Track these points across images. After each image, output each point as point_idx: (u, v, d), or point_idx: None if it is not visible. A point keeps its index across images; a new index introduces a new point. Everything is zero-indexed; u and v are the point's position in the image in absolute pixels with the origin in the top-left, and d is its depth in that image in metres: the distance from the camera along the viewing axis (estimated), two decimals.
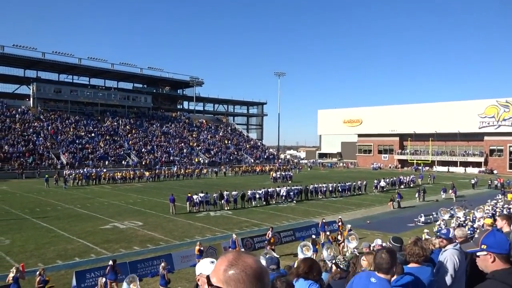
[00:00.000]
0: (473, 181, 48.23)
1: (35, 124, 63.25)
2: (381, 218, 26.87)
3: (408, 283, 3.52)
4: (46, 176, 43.06)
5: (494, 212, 20.97)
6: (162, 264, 13.10)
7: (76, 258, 16.64)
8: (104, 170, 50.23)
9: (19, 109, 65.66)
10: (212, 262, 2.55)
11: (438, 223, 20.96)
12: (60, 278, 14.18)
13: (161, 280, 12.67)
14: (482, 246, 2.59)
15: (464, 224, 18.34)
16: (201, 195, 28.96)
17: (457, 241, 5.14)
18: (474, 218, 19.77)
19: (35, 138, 58.95)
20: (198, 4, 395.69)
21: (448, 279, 4.18)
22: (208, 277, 1.36)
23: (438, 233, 6.35)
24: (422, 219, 25.05)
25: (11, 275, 11.82)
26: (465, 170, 74.15)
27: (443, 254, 4.44)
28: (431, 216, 25.55)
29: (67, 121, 67.71)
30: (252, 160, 76.03)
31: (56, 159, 55.57)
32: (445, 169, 76.49)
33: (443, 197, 37.73)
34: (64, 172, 47.33)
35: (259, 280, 1.31)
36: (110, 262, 13.07)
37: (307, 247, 12.63)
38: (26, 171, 50.72)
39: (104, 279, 12.13)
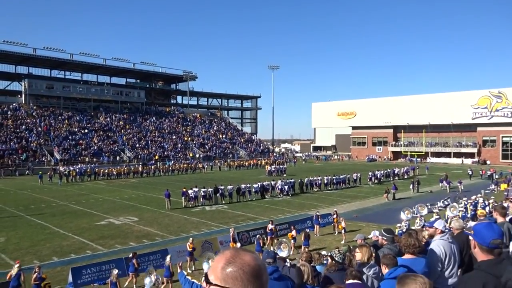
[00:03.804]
0: (469, 172, 47.92)
1: (28, 120, 62.78)
2: (376, 210, 27.04)
3: None
4: (40, 173, 42.83)
5: (466, 209, 20.21)
6: (168, 256, 13.65)
7: (71, 255, 16.60)
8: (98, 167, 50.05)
9: (11, 106, 65.13)
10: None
11: (416, 220, 19.15)
12: (56, 275, 14.15)
13: (166, 271, 13.13)
14: (471, 231, 2.80)
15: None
16: (195, 189, 28.98)
17: (451, 231, 5.19)
18: (447, 219, 16.01)
19: (27, 135, 58.52)
20: None
21: (435, 269, 4.21)
22: (206, 275, 1.36)
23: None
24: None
25: (14, 271, 11.87)
26: (478, 161, 72.13)
27: (430, 245, 4.48)
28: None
29: (60, 117, 67.23)
30: (247, 154, 76.05)
31: (49, 156, 55.24)
32: (439, 160, 76.57)
33: (443, 188, 37.49)
34: (59, 168, 47.05)
35: (257, 278, 1.30)
36: (130, 255, 13.80)
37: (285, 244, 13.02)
38: (19, 168, 50.42)
39: (116, 271, 12.53)
